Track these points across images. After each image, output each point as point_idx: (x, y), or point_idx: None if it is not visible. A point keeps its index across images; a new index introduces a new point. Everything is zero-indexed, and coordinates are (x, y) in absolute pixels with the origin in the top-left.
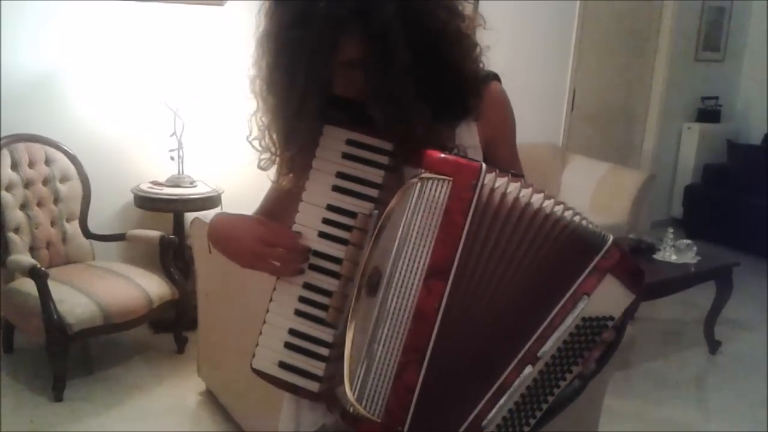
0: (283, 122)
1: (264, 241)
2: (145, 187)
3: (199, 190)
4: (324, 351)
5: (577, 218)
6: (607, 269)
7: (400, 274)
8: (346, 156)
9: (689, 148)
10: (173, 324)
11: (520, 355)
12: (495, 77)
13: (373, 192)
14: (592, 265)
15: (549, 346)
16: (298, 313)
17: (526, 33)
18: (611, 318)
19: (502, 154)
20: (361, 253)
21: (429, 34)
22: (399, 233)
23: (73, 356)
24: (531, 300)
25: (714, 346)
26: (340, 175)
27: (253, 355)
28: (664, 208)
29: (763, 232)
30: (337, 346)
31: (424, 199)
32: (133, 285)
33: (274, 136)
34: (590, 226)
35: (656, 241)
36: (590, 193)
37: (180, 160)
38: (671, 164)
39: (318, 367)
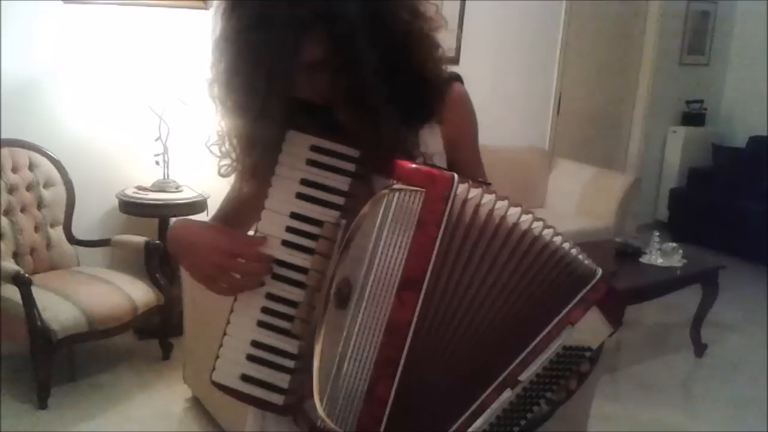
0: (243, 127)
1: (226, 252)
2: (130, 192)
3: (185, 194)
4: (289, 363)
5: (557, 239)
6: (594, 302)
7: (372, 285)
8: (311, 162)
9: (674, 151)
10: (159, 330)
11: (501, 377)
12: (457, 78)
13: (339, 200)
14: (580, 296)
15: (531, 372)
16: (261, 324)
17: (512, 37)
18: (589, 349)
19: (464, 156)
20: (328, 263)
21: (392, 34)
22: (371, 244)
23: (57, 363)
24: (514, 321)
25: (700, 348)
26: (305, 182)
27: (213, 368)
28: (649, 212)
29: (748, 235)
30: (303, 357)
31: (397, 210)
32: (118, 291)
33: (234, 142)
34: (573, 251)
35: (642, 244)
36: (576, 196)
37: (165, 165)
38: (657, 168)
39: (283, 380)
